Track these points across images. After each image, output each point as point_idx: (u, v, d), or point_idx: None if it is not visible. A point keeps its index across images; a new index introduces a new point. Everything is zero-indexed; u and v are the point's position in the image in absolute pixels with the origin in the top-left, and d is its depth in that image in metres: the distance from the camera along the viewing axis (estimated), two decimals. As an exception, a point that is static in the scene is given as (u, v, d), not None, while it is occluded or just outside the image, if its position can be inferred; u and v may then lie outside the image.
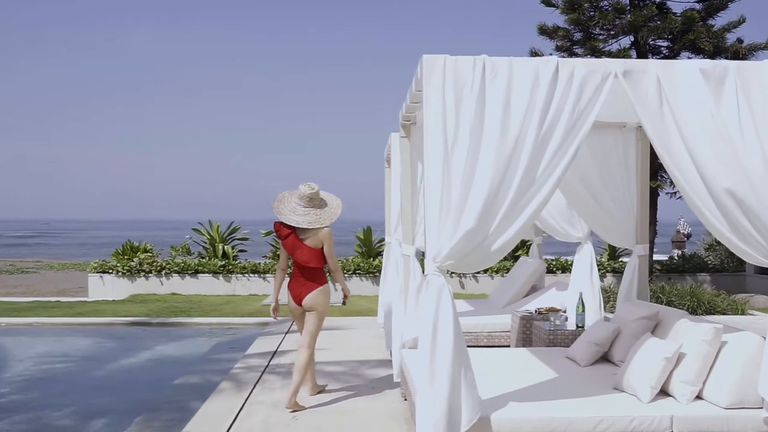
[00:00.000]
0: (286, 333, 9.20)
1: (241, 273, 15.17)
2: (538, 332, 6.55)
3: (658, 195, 14.20)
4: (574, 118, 3.91)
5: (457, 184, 3.80)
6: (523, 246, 15.17)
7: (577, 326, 6.34)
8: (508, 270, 14.42)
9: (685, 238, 21.30)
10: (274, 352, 7.94)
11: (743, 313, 11.22)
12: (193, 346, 9.42)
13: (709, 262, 17.12)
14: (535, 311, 7.09)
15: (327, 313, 5.78)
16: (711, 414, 4.12)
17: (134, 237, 19.61)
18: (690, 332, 4.47)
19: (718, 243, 18.71)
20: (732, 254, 17.92)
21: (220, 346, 9.31)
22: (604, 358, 5.41)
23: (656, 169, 13.95)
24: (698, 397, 4.33)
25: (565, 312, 7.04)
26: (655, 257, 15.57)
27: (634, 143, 6.18)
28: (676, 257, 18.00)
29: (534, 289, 8.83)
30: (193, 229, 17.65)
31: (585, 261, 7.33)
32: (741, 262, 17.36)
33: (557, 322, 6.33)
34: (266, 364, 7.36)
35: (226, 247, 16.71)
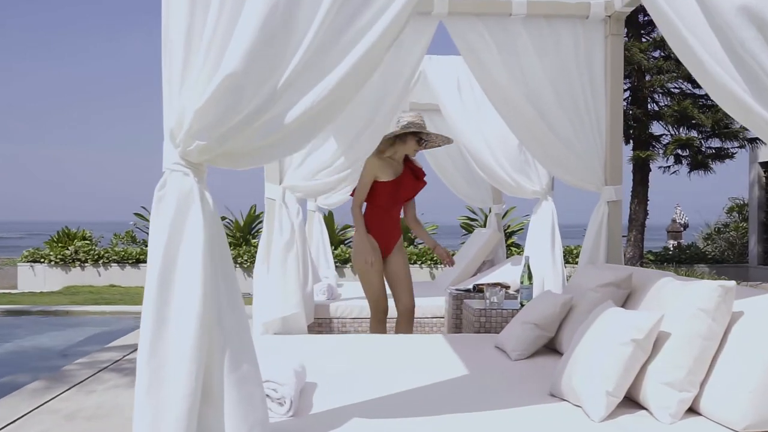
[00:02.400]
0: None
1: (190, 261, 13.38)
2: (467, 314, 4.68)
3: (650, 170, 12.37)
4: None
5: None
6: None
7: (522, 304, 4.47)
8: None
9: (682, 228, 19.47)
10: (141, 344, 6.11)
11: (749, 303, 9.44)
12: (63, 337, 7.63)
13: (707, 253, 15.29)
14: (473, 287, 5.25)
15: (362, 273, 4.68)
16: (713, 441, 2.28)
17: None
18: (678, 297, 2.62)
19: (718, 232, 16.88)
20: (733, 245, 16.01)
21: (98, 338, 7.50)
22: (550, 347, 3.57)
23: (647, 138, 12.15)
24: (692, 410, 2.47)
25: (517, 291, 5.19)
26: (647, 247, 13.72)
27: (601, 42, 4.33)
28: (671, 248, 16.24)
29: (488, 265, 7.00)
30: (136, 214, 15.85)
31: (545, 222, 5.46)
32: (743, 253, 15.46)
33: (493, 299, 4.44)
34: (118, 358, 5.56)
35: (173, 233, 14.98)
